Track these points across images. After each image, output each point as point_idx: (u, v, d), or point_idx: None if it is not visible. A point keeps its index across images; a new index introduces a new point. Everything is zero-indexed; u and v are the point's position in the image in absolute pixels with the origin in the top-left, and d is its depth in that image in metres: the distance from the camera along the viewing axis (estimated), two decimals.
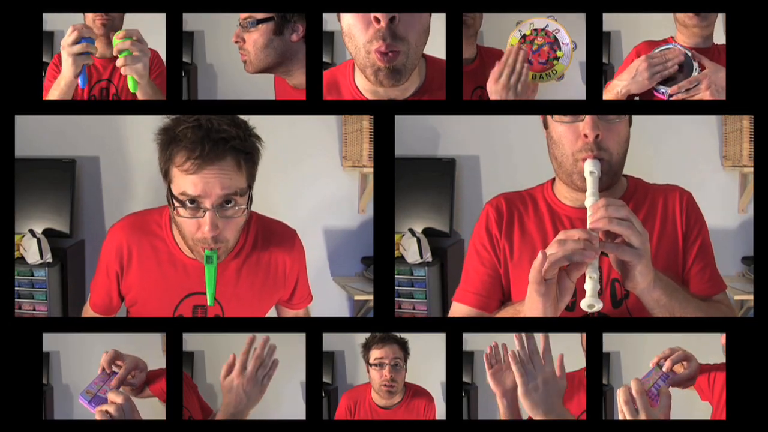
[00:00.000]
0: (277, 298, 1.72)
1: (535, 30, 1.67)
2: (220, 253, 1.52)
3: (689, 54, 1.63)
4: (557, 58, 1.66)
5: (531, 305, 1.35)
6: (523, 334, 1.43)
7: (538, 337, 1.43)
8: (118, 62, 1.65)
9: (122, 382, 1.49)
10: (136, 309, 1.65)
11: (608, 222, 1.35)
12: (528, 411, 1.41)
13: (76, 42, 1.64)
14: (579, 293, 1.40)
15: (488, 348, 1.51)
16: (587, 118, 1.46)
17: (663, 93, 1.63)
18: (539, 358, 1.41)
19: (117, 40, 1.65)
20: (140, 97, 1.74)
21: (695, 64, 1.63)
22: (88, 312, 1.72)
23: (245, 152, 1.49)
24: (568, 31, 1.66)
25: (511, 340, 1.45)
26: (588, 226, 1.37)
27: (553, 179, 1.60)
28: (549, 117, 1.52)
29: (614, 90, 1.65)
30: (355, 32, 1.47)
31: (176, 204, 1.48)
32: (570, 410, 1.46)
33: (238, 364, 1.51)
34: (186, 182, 1.46)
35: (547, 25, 1.67)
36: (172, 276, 1.61)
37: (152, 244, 1.61)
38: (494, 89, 1.60)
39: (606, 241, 1.36)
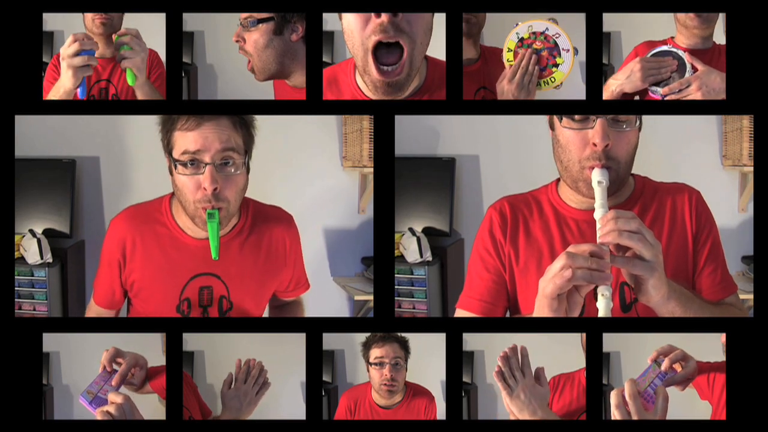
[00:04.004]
0: (279, 280, 1.74)
1: (534, 33, 1.61)
2: (221, 216, 1.57)
3: (683, 56, 1.63)
4: (557, 65, 1.61)
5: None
6: (507, 352, 1.46)
7: (520, 354, 1.47)
8: (118, 56, 1.71)
9: (124, 380, 1.49)
10: (143, 297, 1.66)
11: (618, 235, 1.31)
12: (517, 415, 1.45)
13: (77, 54, 1.64)
14: (588, 303, 1.38)
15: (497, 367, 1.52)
16: (597, 125, 1.43)
17: (656, 93, 1.63)
18: (519, 374, 1.46)
19: (117, 36, 1.72)
20: (138, 94, 1.75)
21: (689, 66, 1.62)
22: (92, 308, 1.73)
23: (239, 117, 1.59)
24: (569, 35, 1.60)
25: (511, 340, 1.47)
26: (598, 239, 1.33)
27: (558, 180, 1.57)
28: (556, 119, 1.48)
29: (609, 89, 1.64)
30: (354, 29, 1.46)
31: (178, 164, 1.55)
32: (555, 412, 1.53)
33: (237, 380, 1.63)
34: (186, 140, 1.54)
35: (547, 29, 1.61)
36: (176, 259, 1.63)
37: (154, 230, 1.65)
38: (507, 88, 1.59)
39: (617, 254, 1.33)
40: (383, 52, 1.45)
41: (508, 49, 1.63)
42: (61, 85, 1.67)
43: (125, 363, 1.51)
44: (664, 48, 1.66)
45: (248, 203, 1.70)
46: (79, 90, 1.68)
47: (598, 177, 1.42)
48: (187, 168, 1.55)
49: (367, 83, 1.50)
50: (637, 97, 1.66)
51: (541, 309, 1.32)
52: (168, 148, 1.58)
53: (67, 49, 1.65)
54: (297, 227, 1.75)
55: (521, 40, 1.62)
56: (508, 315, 1.58)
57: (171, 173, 1.59)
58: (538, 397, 1.45)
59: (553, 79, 1.62)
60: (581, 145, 1.45)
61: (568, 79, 1.63)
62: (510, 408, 1.46)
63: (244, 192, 1.63)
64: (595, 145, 1.43)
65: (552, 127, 1.51)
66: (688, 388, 1.49)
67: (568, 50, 1.61)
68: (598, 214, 1.38)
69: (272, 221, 1.71)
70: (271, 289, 1.74)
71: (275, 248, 1.71)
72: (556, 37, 1.61)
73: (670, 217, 1.52)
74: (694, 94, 1.61)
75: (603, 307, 1.33)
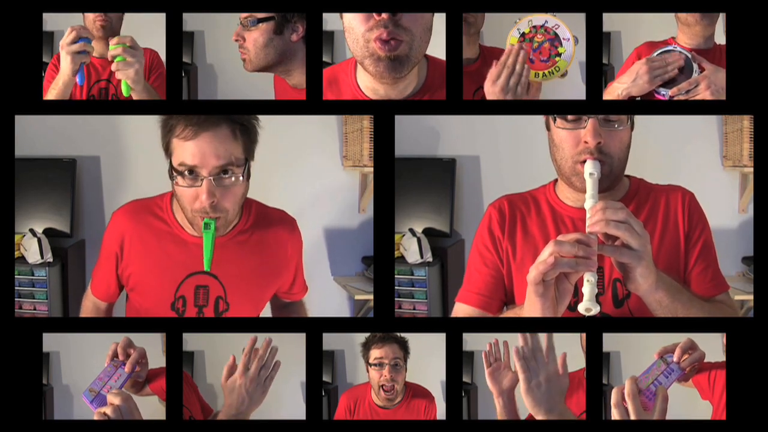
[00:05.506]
0: (279, 284, 1.73)
1: (534, 27, 1.61)
2: (219, 224, 1.56)
3: (689, 56, 1.63)
4: (559, 55, 1.61)
5: (529, 306, 1.35)
6: (528, 333, 1.43)
7: (542, 335, 1.44)
8: (113, 66, 1.68)
9: (135, 366, 1.49)
10: (139, 291, 1.67)
11: (606, 224, 1.34)
12: (529, 409, 1.40)
13: (75, 41, 1.67)
14: (580, 293, 1.39)
15: (488, 345, 1.52)
16: (589, 125, 1.46)
17: (663, 95, 1.63)
18: (542, 356, 1.41)
19: (112, 45, 1.68)
20: (137, 97, 1.75)
21: (695, 66, 1.62)
22: (88, 297, 1.74)
23: (240, 123, 1.55)
24: (568, 25, 1.61)
25: (511, 340, 1.47)
26: (586, 229, 1.37)
27: (556, 180, 1.60)
28: (551, 120, 1.51)
29: (614, 92, 1.64)
30: (354, 24, 1.46)
31: (175, 174, 1.53)
32: (571, 409, 1.45)
33: (240, 364, 1.51)
34: (185, 151, 1.51)
35: (546, 21, 1.61)
36: (174, 255, 1.63)
37: (154, 225, 1.64)
38: (491, 91, 1.56)
39: (606, 243, 1.36)
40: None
41: (511, 45, 1.61)
42: (61, 75, 1.68)
43: (137, 351, 1.51)
44: (669, 47, 1.65)
45: (251, 204, 1.68)
46: (77, 77, 1.69)
47: (590, 169, 1.45)
48: (185, 179, 1.53)
49: (368, 68, 1.48)
50: (638, 98, 1.66)
51: (529, 295, 1.34)
52: (167, 153, 1.56)
53: (65, 39, 1.67)
54: (300, 231, 1.74)
55: (523, 35, 1.62)
56: (505, 309, 1.59)
57: (170, 177, 1.58)
58: (557, 390, 1.39)
59: (557, 69, 1.62)
60: (573, 144, 1.48)
61: (569, 76, 1.64)
62: (525, 398, 1.38)
63: (244, 198, 1.60)
64: (586, 142, 1.46)
65: (548, 127, 1.54)
66: (689, 387, 1.50)
67: (569, 39, 1.62)
68: (588, 205, 1.41)
69: (275, 224, 1.70)
70: (269, 293, 1.74)
71: (276, 252, 1.70)
72: (556, 28, 1.62)
73: (663, 215, 1.54)
74: (703, 93, 1.60)
75: (588, 291, 1.36)
